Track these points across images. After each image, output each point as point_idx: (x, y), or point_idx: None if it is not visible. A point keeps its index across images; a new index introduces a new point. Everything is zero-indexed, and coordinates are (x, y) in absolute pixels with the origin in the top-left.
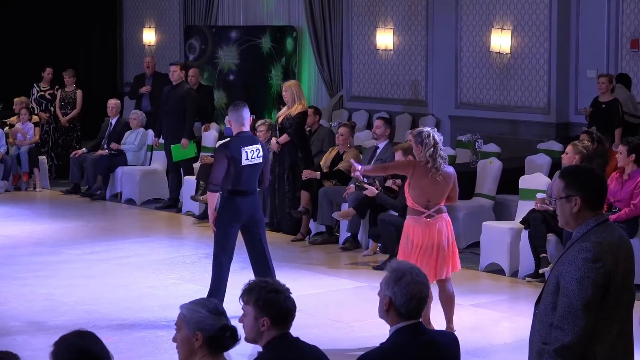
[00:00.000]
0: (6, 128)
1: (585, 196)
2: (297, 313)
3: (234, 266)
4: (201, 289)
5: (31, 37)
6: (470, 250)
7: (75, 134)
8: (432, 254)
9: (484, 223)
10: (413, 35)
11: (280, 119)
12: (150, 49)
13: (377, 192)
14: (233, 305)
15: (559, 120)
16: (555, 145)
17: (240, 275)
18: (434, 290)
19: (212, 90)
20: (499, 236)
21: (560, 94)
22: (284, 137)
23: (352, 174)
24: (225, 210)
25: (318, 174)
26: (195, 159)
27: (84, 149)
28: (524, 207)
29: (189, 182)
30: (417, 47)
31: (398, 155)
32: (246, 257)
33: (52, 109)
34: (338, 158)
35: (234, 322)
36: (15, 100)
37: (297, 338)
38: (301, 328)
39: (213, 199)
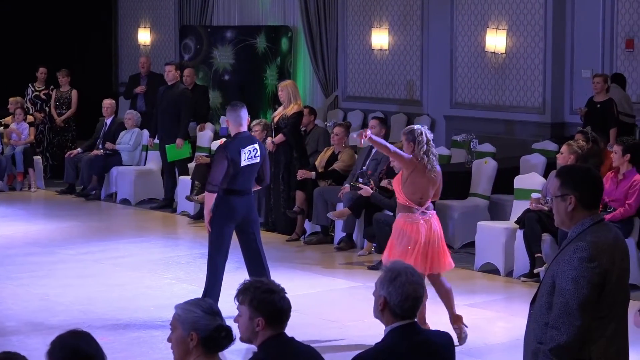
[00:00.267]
0: (1, 128)
1: (581, 195)
2: (292, 313)
3: (228, 266)
4: (196, 289)
5: (26, 37)
6: (465, 250)
7: (70, 134)
8: (429, 250)
9: (479, 223)
10: (408, 35)
11: (276, 119)
12: (146, 48)
13: (372, 192)
14: (228, 305)
15: (554, 120)
16: (550, 145)
17: (235, 275)
18: (430, 289)
19: (207, 90)
20: (494, 236)
21: (555, 93)
22: (280, 137)
23: (361, 139)
24: (220, 210)
25: (313, 173)
26: (190, 159)
27: (79, 149)
28: (519, 207)
29: (184, 182)
30: (412, 47)
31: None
32: (241, 257)
33: (47, 109)
34: (333, 158)
35: (229, 322)
36: (10, 100)
37: (292, 338)
38: (296, 328)
39: (210, 199)
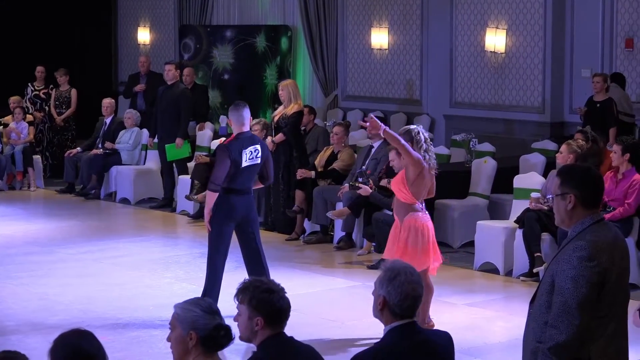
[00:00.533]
0: (0, 127)
1: (580, 194)
2: (291, 312)
3: (228, 265)
4: (196, 288)
5: (26, 36)
6: (465, 250)
7: (69, 133)
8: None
9: (478, 222)
10: (408, 35)
11: (276, 118)
12: (145, 48)
13: (371, 191)
14: (228, 305)
15: (554, 119)
16: (550, 145)
17: (235, 274)
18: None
19: (206, 90)
20: (494, 235)
21: (555, 93)
22: (279, 136)
23: (373, 132)
24: (220, 209)
25: (313, 173)
26: (189, 159)
27: (78, 148)
28: (518, 207)
29: (184, 182)
30: (411, 46)
31: (392, 155)
32: (241, 256)
33: (47, 108)
34: (333, 157)
35: (229, 321)
36: (11, 99)
37: (292, 337)
38: (295, 327)
39: (212, 198)
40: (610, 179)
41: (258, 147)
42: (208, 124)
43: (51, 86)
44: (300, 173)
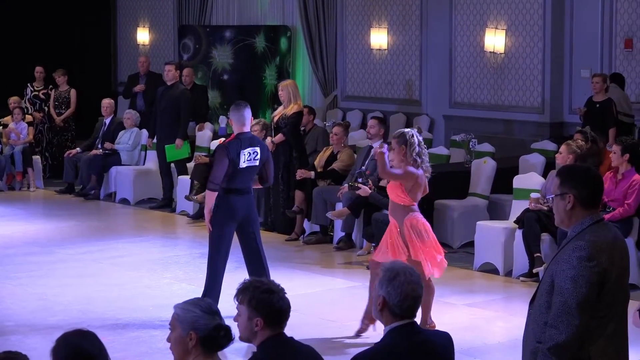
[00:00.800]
0: (0, 128)
1: (580, 194)
2: (291, 313)
3: (228, 266)
4: (195, 289)
5: (25, 36)
6: (465, 250)
7: (69, 134)
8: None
9: (478, 223)
10: (407, 35)
11: (275, 119)
12: (145, 48)
13: (370, 191)
14: (228, 305)
15: (553, 119)
16: (549, 145)
17: (235, 274)
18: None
19: (206, 90)
20: (493, 236)
21: (555, 93)
22: (279, 137)
23: (377, 152)
24: (221, 209)
25: (312, 173)
26: (189, 159)
27: (78, 149)
28: (518, 207)
29: (183, 182)
30: (411, 46)
31: (391, 155)
32: (241, 256)
33: (46, 108)
34: (332, 158)
35: (229, 322)
36: (10, 99)
37: (292, 338)
38: (295, 328)
39: (211, 198)
40: (610, 179)
41: (257, 149)
42: (207, 125)
43: (50, 86)
44: (300, 173)
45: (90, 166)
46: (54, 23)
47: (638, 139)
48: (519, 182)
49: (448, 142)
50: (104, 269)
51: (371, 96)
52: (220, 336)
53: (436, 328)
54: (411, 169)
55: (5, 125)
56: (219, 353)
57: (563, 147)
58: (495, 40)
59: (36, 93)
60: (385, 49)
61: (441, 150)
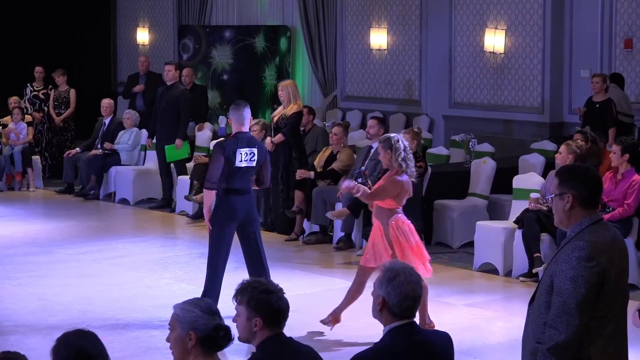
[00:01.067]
0: None
1: (579, 194)
2: (290, 313)
3: (228, 265)
4: (195, 289)
5: (25, 36)
6: (464, 250)
7: (69, 134)
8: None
9: (477, 223)
10: (407, 35)
11: (275, 119)
12: (144, 48)
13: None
14: (228, 305)
15: (553, 119)
16: (549, 145)
17: (235, 274)
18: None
19: (206, 90)
20: (493, 236)
21: (554, 93)
22: (279, 137)
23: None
24: (221, 210)
25: (312, 173)
26: (189, 159)
27: (77, 149)
28: (517, 207)
29: (183, 182)
30: (410, 46)
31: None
32: (241, 256)
33: (46, 108)
34: (332, 158)
35: (229, 322)
36: (10, 99)
37: (291, 338)
38: (295, 328)
39: (209, 196)
40: (610, 180)
41: (255, 150)
42: (207, 125)
43: (50, 87)
44: (300, 173)
45: (90, 166)
46: (54, 23)
47: (638, 139)
48: (518, 182)
49: (448, 142)
50: (104, 269)
51: (371, 96)
52: (219, 336)
53: (436, 328)
54: (397, 178)
55: (4, 125)
56: (219, 353)
57: (563, 147)
58: (495, 40)
59: (36, 93)
60: (385, 49)
61: (441, 150)
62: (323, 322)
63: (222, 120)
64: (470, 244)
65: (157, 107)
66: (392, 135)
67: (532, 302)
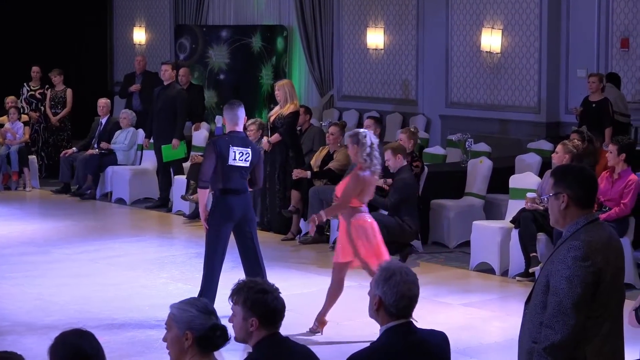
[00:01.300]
0: None
1: (573, 194)
2: (287, 312)
3: (225, 265)
4: (191, 289)
5: (21, 36)
6: (461, 250)
7: (65, 134)
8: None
9: (474, 222)
10: (403, 35)
11: (272, 118)
12: (141, 48)
13: None
14: (224, 305)
15: (549, 119)
16: (546, 145)
17: (231, 274)
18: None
19: (202, 90)
20: (489, 235)
21: (551, 93)
22: (275, 137)
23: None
24: (218, 210)
25: (308, 173)
26: (185, 159)
27: (74, 149)
28: (514, 207)
29: (180, 182)
30: (407, 46)
31: (388, 155)
32: (237, 256)
33: (42, 108)
34: (328, 157)
35: (225, 322)
36: (6, 99)
37: (287, 338)
38: (291, 327)
39: (203, 195)
40: (606, 179)
41: (249, 150)
42: (204, 124)
43: (47, 86)
44: (296, 173)
45: (87, 166)
46: (51, 23)
47: (634, 138)
48: (515, 181)
49: (444, 142)
50: (100, 269)
51: (367, 96)
52: (216, 336)
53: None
54: (359, 173)
55: (1, 125)
56: (215, 353)
57: (559, 147)
58: (491, 40)
59: (32, 93)
60: (381, 49)
61: (437, 150)
62: (311, 330)
63: (218, 120)
64: (467, 243)
65: (153, 107)
66: (361, 130)
67: (528, 302)
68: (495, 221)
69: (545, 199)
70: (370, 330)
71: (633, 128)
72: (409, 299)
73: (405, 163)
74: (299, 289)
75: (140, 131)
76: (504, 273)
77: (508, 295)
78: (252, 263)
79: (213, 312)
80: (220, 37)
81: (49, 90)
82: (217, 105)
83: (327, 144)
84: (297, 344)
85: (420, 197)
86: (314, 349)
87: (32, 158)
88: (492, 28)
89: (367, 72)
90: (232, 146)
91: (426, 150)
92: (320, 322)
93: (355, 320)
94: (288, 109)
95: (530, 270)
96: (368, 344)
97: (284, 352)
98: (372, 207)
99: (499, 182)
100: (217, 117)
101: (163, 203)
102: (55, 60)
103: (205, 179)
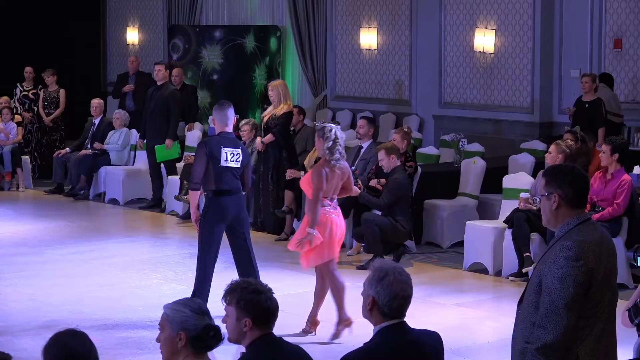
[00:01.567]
0: None
1: (564, 194)
2: (280, 313)
3: (218, 266)
4: (185, 289)
5: (14, 36)
6: (454, 250)
7: (58, 134)
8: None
9: (467, 222)
10: (397, 35)
11: (265, 119)
12: (134, 48)
13: (360, 191)
14: (217, 305)
15: (543, 119)
16: (539, 145)
17: (225, 274)
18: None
19: (195, 90)
20: (483, 235)
21: (544, 93)
22: (269, 137)
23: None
24: (211, 210)
25: (302, 173)
26: (179, 159)
27: (67, 149)
28: (507, 207)
29: (173, 182)
30: (400, 46)
31: (381, 155)
32: (230, 256)
33: (36, 108)
34: None
35: (218, 323)
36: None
37: (280, 338)
38: (284, 328)
39: (195, 197)
40: (599, 179)
41: (239, 151)
42: (197, 125)
43: (40, 87)
44: (290, 173)
45: (80, 166)
46: (44, 23)
47: (627, 138)
48: (508, 181)
49: (438, 142)
50: (94, 269)
51: (361, 96)
52: (209, 336)
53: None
54: (318, 168)
55: None
56: (209, 353)
57: (552, 147)
58: (484, 40)
59: (25, 93)
60: (375, 49)
61: (431, 150)
62: (304, 331)
63: (212, 120)
64: (460, 243)
65: (147, 107)
66: (328, 124)
67: (521, 302)
68: (489, 221)
69: (537, 199)
70: (363, 330)
71: (626, 128)
72: (403, 299)
73: (398, 163)
74: (293, 289)
75: (134, 131)
76: (498, 273)
77: (501, 295)
78: (246, 263)
79: (206, 313)
80: (214, 37)
81: (42, 90)
82: (211, 106)
83: None
84: (291, 344)
85: (414, 197)
86: (307, 349)
87: (25, 158)
88: (486, 28)
89: (360, 73)
90: (224, 147)
91: (419, 150)
92: (312, 322)
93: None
94: (281, 109)
95: (524, 270)
96: (361, 344)
97: (278, 352)
98: (365, 207)
99: (492, 182)
100: (211, 117)
101: (156, 203)
102: (48, 60)
103: (196, 181)
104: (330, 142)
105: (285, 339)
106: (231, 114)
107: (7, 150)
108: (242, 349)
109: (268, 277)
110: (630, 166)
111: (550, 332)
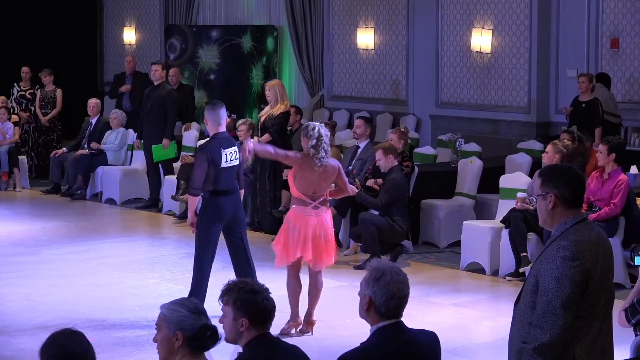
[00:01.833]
0: None
1: (560, 193)
2: (278, 313)
3: (215, 265)
4: (182, 289)
5: (11, 36)
6: (451, 250)
7: (55, 134)
8: (319, 243)
9: (464, 222)
10: (394, 35)
11: (262, 119)
12: (131, 48)
13: (357, 191)
14: (215, 305)
15: (540, 119)
16: (536, 145)
17: (221, 274)
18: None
19: (192, 90)
20: (480, 235)
21: (541, 93)
22: (266, 137)
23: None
24: (208, 211)
25: None
26: (176, 159)
27: (64, 149)
28: (504, 206)
29: (170, 182)
30: (397, 46)
31: (378, 155)
32: (227, 256)
33: (33, 108)
34: None
35: (215, 322)
36: None
37: (277, 338)
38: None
39: (194, 202)
40: (596, 179)
41: (236, 148)
42: (194, 124)
43: (37, 86)
44: (287, 173)
45: (77, 166)
46: (41, 23)
47: (624, 138)
48: (505, 181)
49: (435, 142)
50: (91, 269)
51: (358, 96)
52: (206, 336)
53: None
54: (298, 154)
55: None
56: (205, 353)
57: (549, 147)
58: (481, 40)
59: (22, 93)
60: (371, 49)
61: (428, 150)
62: (301, 330)
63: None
64: (457, 243)
65: (143, 107)
66: (312, 123)
67: (517, 302)
68: (486, 221)
69: (534, 199)
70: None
71: (623, 128)
72: (400, 299)
73: (395, 163)
74: None
75: (131, 131)
76: (495, 273)
77: (498, 295)
78: (242, 263)
79: (203, 313)
80: (211, 37)
81: (39, 90)
82: None
83: None
84: (288, 344)
85: (411, 197)
86: (304, 349)
87: (22, 158)
88: (482, 28)
89: (357, 72)
90: (223, 149)
91: (416, 150)
92: (307, 322)
93: (346, 320)
94: (279, 109)
95: (521, 270)
96: (358, 344)
97: (274, 352)
98: (362, 207)
99: (489, 182)
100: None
101: (153, 203)
102: (45, 60)
103: (197, 187)
104: (314, 140)
105: (282, 338)
106: (224, 114)
107: (4, 150)
108: (239, 349)
109: (265, 277)
110: (627, 166)
111: (547, 332)
